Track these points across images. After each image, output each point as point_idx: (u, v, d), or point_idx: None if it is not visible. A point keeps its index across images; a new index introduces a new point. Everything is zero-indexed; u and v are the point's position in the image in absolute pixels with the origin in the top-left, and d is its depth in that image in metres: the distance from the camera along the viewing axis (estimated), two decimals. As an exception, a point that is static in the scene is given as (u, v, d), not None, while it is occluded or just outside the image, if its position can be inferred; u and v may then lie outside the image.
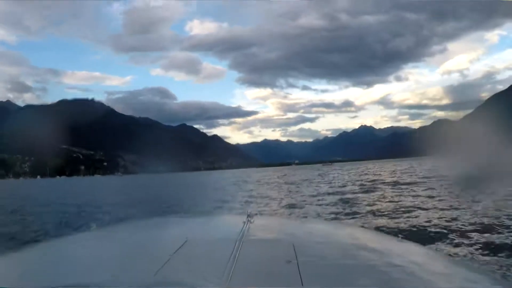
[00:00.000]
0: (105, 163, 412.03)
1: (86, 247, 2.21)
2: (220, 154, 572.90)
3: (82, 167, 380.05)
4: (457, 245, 8.10)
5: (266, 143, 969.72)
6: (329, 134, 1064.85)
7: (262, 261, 1.76)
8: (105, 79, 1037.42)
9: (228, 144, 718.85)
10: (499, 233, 8.91)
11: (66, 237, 2.97)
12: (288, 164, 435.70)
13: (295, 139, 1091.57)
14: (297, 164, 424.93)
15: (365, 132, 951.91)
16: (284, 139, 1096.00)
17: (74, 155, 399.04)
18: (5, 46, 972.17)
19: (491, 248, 7.54)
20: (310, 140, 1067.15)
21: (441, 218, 11.14)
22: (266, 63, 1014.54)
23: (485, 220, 10.47)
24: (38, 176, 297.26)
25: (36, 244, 2.43)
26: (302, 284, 1.47)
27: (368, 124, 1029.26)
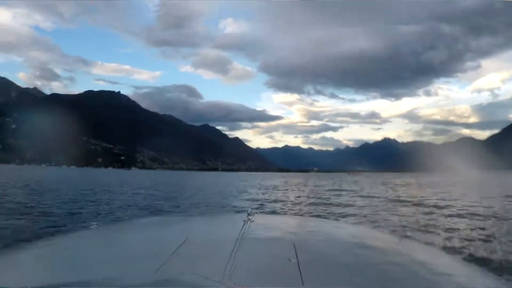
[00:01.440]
0: (122, 157, 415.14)
1: (86, 245, 2.22)
2: (240, 156, 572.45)
3: (100, 160, 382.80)
4: (457, 244, 8.18)
5: (286, 149, 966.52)
6: (351, 144, 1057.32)
7: (262, 260, 1.76)
8: (134, 73, 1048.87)
9: (249, 147, 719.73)
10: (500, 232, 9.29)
11: (65, 235, 2.99)
12: (307, 171, 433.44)
13: (316, 147, 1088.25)
14: (316, 171, 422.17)
15: (387, 144, 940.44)
16: (305, 146, 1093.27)
17: (93, 147, 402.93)
18: (39, 32, 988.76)
19: (491, 248, 7.71)
20: (331, 149, 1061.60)
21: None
22: (296, 67, 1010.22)
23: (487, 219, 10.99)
24: (43, 164, 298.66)
25: (36, 242, 2.47)
26: (303, 283, 1.47)
27: (391, 137, 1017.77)
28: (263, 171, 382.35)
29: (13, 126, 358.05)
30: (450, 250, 7.52)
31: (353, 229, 3.23)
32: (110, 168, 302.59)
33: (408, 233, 9.08)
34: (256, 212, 2.59)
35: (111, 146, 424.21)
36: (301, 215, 13.79)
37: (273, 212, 14.73)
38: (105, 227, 3.65)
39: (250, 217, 2.41)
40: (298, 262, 1.64)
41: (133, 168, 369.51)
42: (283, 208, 16.34)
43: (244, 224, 2.24)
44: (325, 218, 12.09)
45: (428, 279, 1.63)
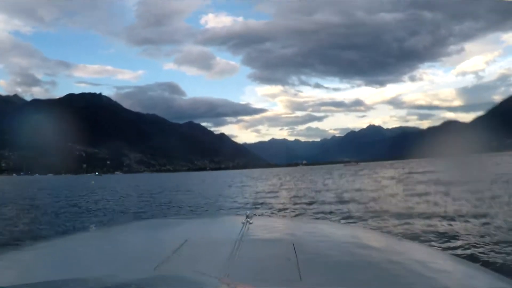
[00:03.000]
0: (108, 162, 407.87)
1: (85, 246, 2.22)
2: (227, 153, 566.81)
3: (84, 166, 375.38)
4: (457, 243, 8.39)
5: (273, 143, 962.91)
6: (337, 133, 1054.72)
7: (261, 260, 1.76)
8: (116, 73, 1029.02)
9: (235, 143, 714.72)
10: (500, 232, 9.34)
11: (65, 237, 2.94)
12: (296, 164, 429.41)
13: (302, 139, 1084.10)
14: (305, 164, 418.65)
15: (373, 131, 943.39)
16: (291, 138, 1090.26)
17: (77, 152, 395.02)
18: (20, 37, 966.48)
19: (492, 247, 7.86)
20: (318, 139, 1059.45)
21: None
22: (280, 59, 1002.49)
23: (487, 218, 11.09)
24: (14, 174, 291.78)
25: (35, 243, 2.49)
26: (302, 283, 1.48)
27: (376, 124, 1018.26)
28: (252, 167, 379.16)
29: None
30: (449, 250, 7.64)
31: (352, 230, 3.23)
32: (89, 174, 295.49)
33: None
34: (255, 214, 2.61)
35: (96, 150, 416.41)
36: (300, 217, 13.74)
37: (272, 215, 15.00)
38: (104, 228, 3.62)
39: (249, 219, 2.42)
40: (297, 263, 1.65)
41: (116, 172, 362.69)
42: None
43: (243, 226, 2.25)
44: (324, 219, 12.38)
45: (427, 279, 1.62)
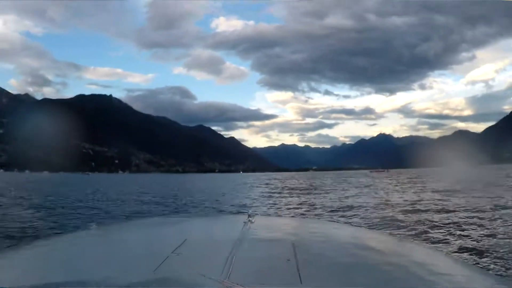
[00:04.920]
0: (116, 161, 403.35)
1: (85, 245, 2.21)
2: (237, 157, 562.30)
3: (93, 164, 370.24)
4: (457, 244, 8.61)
5: (283, 148, 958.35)
6: (347, 141, 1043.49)
7: (261, 260, 1.75)
8: (126, 76, 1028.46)
9: (245, 147, 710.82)
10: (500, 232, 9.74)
11: (65, 235, 2.94)
12: (306, 169, 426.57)
13: (312, 145, 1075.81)
14: (315, 170, 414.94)
15: (383, 140, 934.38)
16: (301, 144, 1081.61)
17: (84, 150, 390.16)
18: (30, 38, 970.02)
19: (492, 247, 8.00)
20: (328, 146, 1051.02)
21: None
22: (289, 64, 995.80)
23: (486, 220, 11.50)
24: (27, 171, 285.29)
25: (35, 241, 2.45)
26: (301, 283, 1.47)
27: (386, 133, 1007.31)
28: (261, 171, 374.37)
29: (1, 131, 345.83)
30: (449, 251, 7.74)
31: (352, 230, 3.21)
32: (96, 173, 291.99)
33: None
34: (257, 214, 2.59)
35: (105, 149, 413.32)
36: (301, 217, 13.72)
37: (274, 214, 15.06)
38: (104, 227, 3.70)
39: (250, 218, 2.41)
40: (297, 263, 1.64)
41: (120, 171, 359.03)
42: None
43: (244, 225, 2.24)
44: (324, 220, 12.45)
45: (427, 280, 1.62)
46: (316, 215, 16.38)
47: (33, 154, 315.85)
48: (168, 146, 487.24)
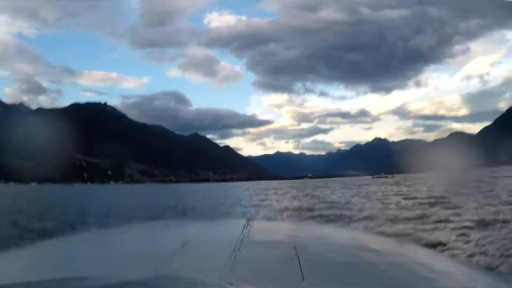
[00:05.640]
0: (109, 172, 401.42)
1: (85, 247, 2.22)
2: (232, 165, 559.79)
3: (85, 175, 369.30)
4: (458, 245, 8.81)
5: (278, 156, 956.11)
6: (342, 146, 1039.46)
7: (261, 262, 1.76)
8: (121, 81, 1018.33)
9: (240, 156, 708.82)
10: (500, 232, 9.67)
11: (65, 237, 3.00)
12: (301, 177, 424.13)
13: (307, 152, 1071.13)
14: (310, 177, 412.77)
15: (378, 145, 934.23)
16: (296, 151, 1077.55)
17: (77, 162, 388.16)
18: (23, 40, 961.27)
19: (492, 248, 8.25)
20: (323, 153, 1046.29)
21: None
22: (284, 62, 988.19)
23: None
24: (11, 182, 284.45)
25: (36, 243, 2.48)
26: (303, 284, 1.49)
27: (382, 137, 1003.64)
28: (256, 179, 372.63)
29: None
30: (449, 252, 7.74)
31: (353, 234, 3.26)
32: (80, 184, 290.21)
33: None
34: (256, 218, 2.79)
35: (98, 160, 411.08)
36: (301, 221, 13.48)
37: (273, 219, 14.68)
38: (104, 230, 3.72)
39: (249, 222, 2.43)
40: (298, 265, 1.64)
41: (112, 182, 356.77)
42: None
43: (243, 229, 2.26)
44: (325, 223, 12.29)
45: (427, 281, 1.64)
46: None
47: (22, 165, 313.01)
48: (162, 156, 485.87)
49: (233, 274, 1.52)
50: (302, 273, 1.55)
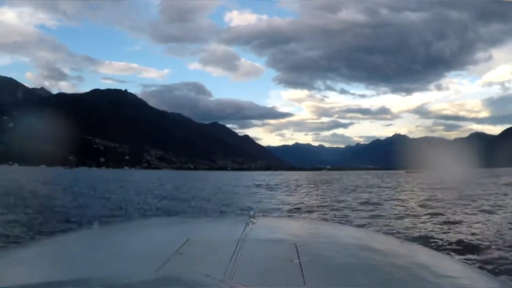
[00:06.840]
0: (127, 157, 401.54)
1: (87, 245, 2.21)
2: (250, 155, 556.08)
3: (102, 159, 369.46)
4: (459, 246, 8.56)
5: (297, 147, 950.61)
6: (362, 141, 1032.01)
7: (264, 261, 1.75)
8: (142, 71, 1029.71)
9: (259, 145, 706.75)
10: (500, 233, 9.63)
11: (67, 234, 2.96)
12: (320, 169, 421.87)
13: (326, 144, 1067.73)
14: (328, 169, 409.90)
15: (398, 141, 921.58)
16: (315, 143, 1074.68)
17: (95, 146, 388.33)
18: (45, 31, 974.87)
19: (492, 248, 7.97)
20: (342, 146, 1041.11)
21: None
22: (305, 61, 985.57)
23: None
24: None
25: (37, 240, 2.22)
26: (305, 284, 1.47)
27: (402, 133, 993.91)
28: (274, 169, 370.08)
29: (11, 124, 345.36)
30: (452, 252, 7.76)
31: (355, 232, 3.23)
32: (81, 167, 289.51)
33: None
34: (258, 215, 2.59)
35: (116, 145, 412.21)
36: (304, 218, 13.51)
37: (276, 215, 14.55)
38: (107, 227, 3.67)
39: (252, 219, 2.41)
40: (300, 263, 1.64)
41: (126, 167, 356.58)
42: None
43: (246, 226, 2.24)
44: (327, 221, 12.25)
45: (429, 281, 1.63)
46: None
47: (37, 147, 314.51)
48: (181, 143, 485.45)
49: (235, 275, 1.49)
50: (302, 274, 1.54)
